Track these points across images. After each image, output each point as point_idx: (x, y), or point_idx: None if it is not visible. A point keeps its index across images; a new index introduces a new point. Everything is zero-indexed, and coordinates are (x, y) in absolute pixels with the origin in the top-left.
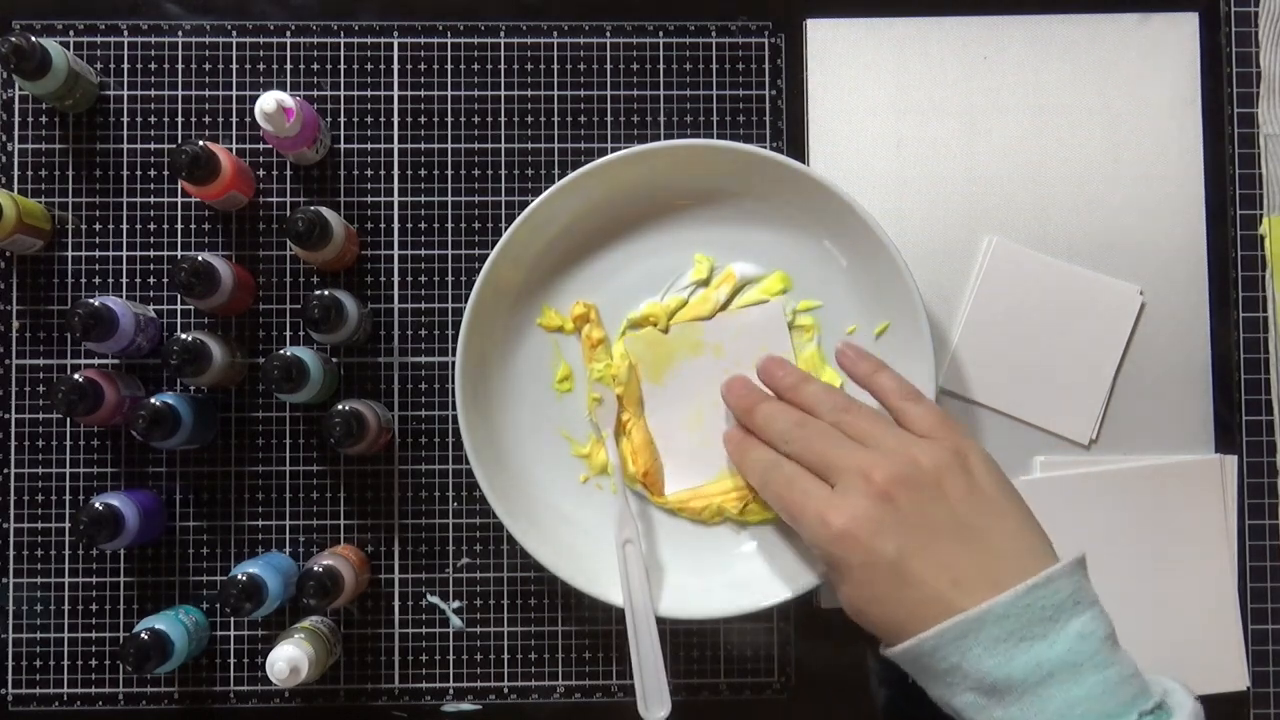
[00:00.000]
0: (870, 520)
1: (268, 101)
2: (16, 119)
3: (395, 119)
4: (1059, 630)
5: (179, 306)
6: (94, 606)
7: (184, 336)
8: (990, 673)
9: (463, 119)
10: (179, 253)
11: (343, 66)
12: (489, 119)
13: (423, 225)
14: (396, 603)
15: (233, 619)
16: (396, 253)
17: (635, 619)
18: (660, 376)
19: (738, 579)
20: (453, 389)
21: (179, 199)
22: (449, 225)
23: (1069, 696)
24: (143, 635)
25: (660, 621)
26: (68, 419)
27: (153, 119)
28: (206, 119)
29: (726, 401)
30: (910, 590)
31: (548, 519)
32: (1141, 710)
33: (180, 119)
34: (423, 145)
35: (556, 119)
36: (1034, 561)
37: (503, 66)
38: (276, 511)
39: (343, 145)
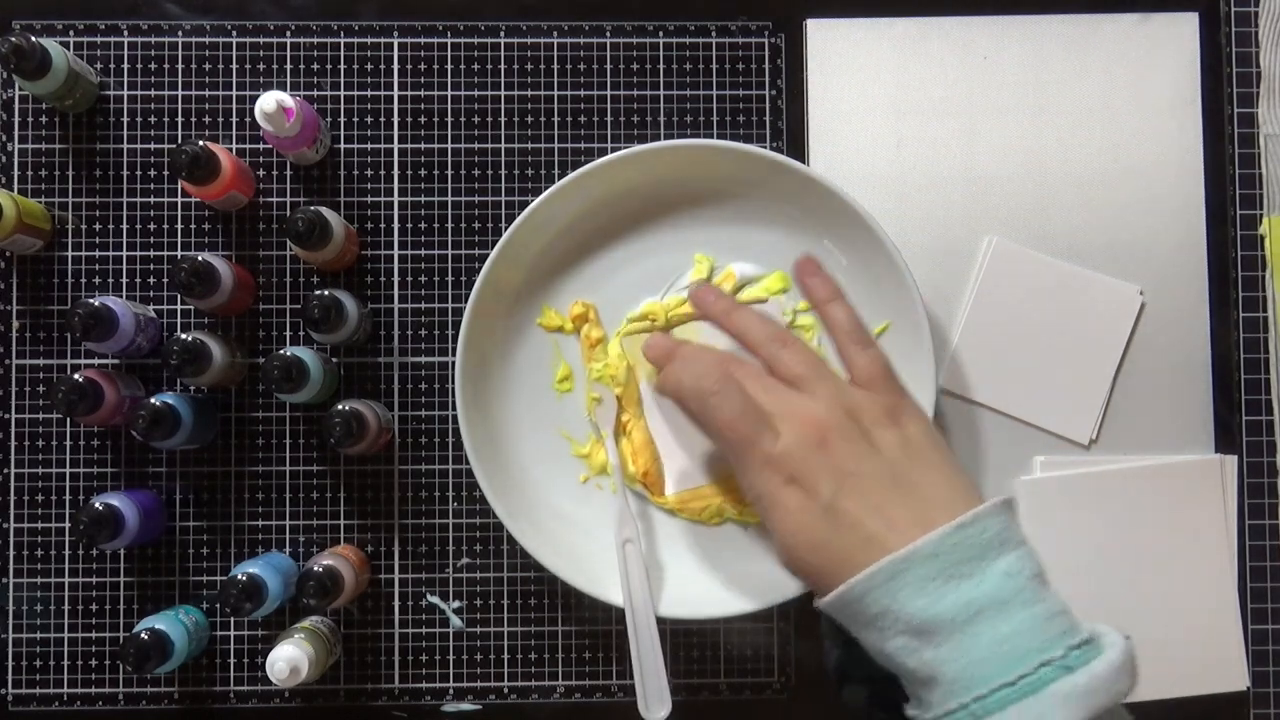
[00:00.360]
0: (807, 465)
1: (268, 101)
2: (16, 119)
3: (395, 119)
4: (986, 568)
5: (179, 306)
6: (94, 606)
7: (184, 336)
8: (919, 613)
9: (463, 119)
10: (179, 253)
11: (343, 66)
12: (489, 119)
13: (423, 225)
14: (396, 603)
15: (233, 619)
16: (396, 253)
17: (635, 619)
18: None
19: (738, 579)
20: (453, 389)
21: (179, 199)
22: (449, 225)
23: (997, 633)
24: (143, 635)
25: (660, 621)
26: (68, 419)
27: (153, 119)
28: (206, 119)
29: (646, 358)
30: (845, 533)
31: (548, 519)
32: (1069, 644)
33: (180, 119)
34: (423, 145)
35: (556, 119)
36: (964, 505)
37: (503, 66)
38: (276, 511)
39: (343, 145)
